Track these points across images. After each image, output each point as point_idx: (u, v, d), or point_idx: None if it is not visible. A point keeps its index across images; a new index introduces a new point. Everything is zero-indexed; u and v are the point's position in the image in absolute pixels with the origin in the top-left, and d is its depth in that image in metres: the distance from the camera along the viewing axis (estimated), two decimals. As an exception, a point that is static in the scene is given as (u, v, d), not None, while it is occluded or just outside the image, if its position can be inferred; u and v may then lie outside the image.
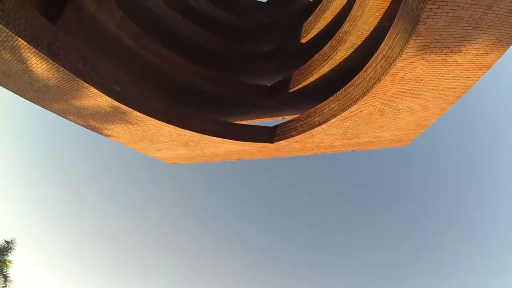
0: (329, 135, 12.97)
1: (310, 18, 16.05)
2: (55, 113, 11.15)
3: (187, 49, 16.03)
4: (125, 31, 11.97)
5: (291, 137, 13.22)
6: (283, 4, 21.36)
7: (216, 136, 12.73)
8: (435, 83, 9.47)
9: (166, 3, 14.89)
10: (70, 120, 11.58)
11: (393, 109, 11.10)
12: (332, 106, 11.81)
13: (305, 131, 12.71)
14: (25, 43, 7.65)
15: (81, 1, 10.34)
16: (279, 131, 13.78)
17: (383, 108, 11.02)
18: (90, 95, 9.76)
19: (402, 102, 10.68)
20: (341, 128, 12.37)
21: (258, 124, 16.31)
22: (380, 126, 12.45)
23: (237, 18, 19.68)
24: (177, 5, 16.67)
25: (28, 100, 10.18)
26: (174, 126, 11.80)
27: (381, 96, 10.25)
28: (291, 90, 15.10)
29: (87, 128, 12.26)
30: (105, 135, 12.76)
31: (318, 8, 15.38)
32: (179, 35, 15.49)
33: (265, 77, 18.66)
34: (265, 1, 23.51)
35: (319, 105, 12.38)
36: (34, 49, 7.90)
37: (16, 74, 8.82)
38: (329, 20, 15.24)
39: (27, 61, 8.25)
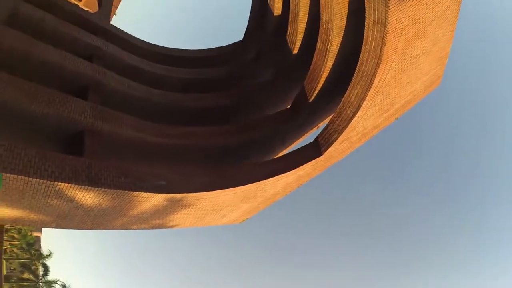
0: (368, 118, 12.84)
1: (289, 28, 16.52)
2: (117, 229, 11.86)
3: (197, 118, 16.85)
4: (145, 131, 12.81)
5: (335, 140, 13.18)
6: (257, 33, 22.02)
7: (269, 178, 12.84)
8: (431, 14, 9.54)
9: (150, 85, 15.84)
10: (134, 229, 12.24)
11: (410, 60, 11.05)
12: (356, 91, 11.83)
13: (345, 127, 12.69)
14: (66, 184, 8.42)
15: (92, 126, 11.22)
16: (322, 141, 13.79)
17: (401, 65, 10.97)
18: (143, 200, 10.40)
19: (415, 49, 10.65)
20: (375, 106, 12.26)
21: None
22: (408, 82, 12.28)
23: (225, 70, 20.51)
24: (166, 84, 17.80)
25: (89, 229, 11.00)
26: (228, 189, 12.07)
27: (394, 56, 10.25)
28: (311, 99, 15.20)
29: (152, 229, 12.86)
30: (171, 227, 13.37)
31: (290, 16, 15.78)
32: (186, 108, 16.34)
33: (280, 102, 18.96)
34: (241, 40, 24.27)
35: (344, 98, 12.42)
36: (76, 186, 8.73)
37: (70, 213, 9.68)
38: (306, 21, 15.54)
39: (74, 197, 9.11)
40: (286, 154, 14.43)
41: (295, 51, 17.05)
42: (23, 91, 9.99)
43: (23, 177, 7.87)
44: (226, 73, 20.15)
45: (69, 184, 8.65)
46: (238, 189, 12.41)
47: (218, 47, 23.74)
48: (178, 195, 11.09)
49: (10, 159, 7.81)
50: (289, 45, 17.08)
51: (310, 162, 13.62)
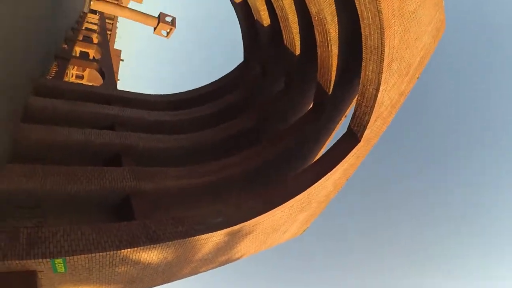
0: (392, 89, 12.60)
1: (283, 33, 16.65)
2: (187, 277, 11.94)
3: (228, 147, 17.05)
4: (186, 176, 13.06)
5: (368, 121, 12.93)
6: (255, 49, 22.32)
7: (317, 181, 12.66)
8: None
9: (175, 133, 16.28)
10: (202, 272, 12.28)
11: (410, 17, 10.97)
12: (370, 67, 11.71)
13: (373, 106, 12.49)
14: (128, 250, 8.70)
15: (135, 188, 11.57)
16: (355, 127, 13.59)
17: (404, 26, 10.87)
18: (205, 242, 10.51)
19: (410, 5, 10.55)
20: (394, 74, 12.02)
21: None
22: (416, 38, 12.03)
23: (238, 94, 20.76)
24: (189, 126, 18.22)
25: (160, 285, 11.12)
26: (281, 206, 11.96)
27: (394, 20, 10.15)
28: (330, 92, 15.10)
29: (219, 266, 12.87)
30: (237, 259, 13.30)
31: (280, 22, 15.97)
32: (215, 142, 16.59)
33: (302, 106, 18.96)
34: (242, 61, 24.65)
35: (361, 78, 12.32)
36: (138, 248, 8.86)
37: (138, 275, 9.89)
38: (297, 20, 15.66)
39: (140, 260, 9.34)
40: (326, 152, 14.17)
41: (298, 52, 17.12)
42: (62, 176, 10.54)
43: (86, 255, 8.13)
44: (241, 97, 20.44)
45: (132, 249, 8.84)
46: (292, 202, 12.29)
47: (225, 75, 24.22)
48: (236, 227, 11.09)
49: (69, 242, 8.13)
50: (290, 49, 17.18)
51: (352, 151, 13.35)
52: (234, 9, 22.34)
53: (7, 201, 9.66)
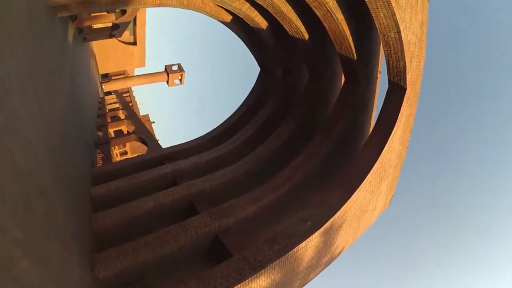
0: (411, 23, 12.19)
1: (285, 26, 16.50)
2: None
3: (285, 155, 16.94)
4: (260, 197, 13.19)
5: (404, 66, 12.73)
6: (265, 53, 22.30)
7: (384, 146, 12.25)
8: None
9: (231, 163, 16.43)
10: (311, 280, 12.13)
11: None
12: (382, 14, 11.61)
13: (402, 49, 12.25)
14: (238, 285, 8.98)
15: (220, 227, 11.81)
16: (395, 78, 13.39)
17: None
18: (304, 250, 10.66)
19: None
20: (407, 7, 11.69)
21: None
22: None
23: (271, 102, 20.71)
24: (240, 152, 18.37)
25: None
26: (361, 185, 11.66)
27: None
28: (354, 57, 14.72)
29: (325, 268, 12.63)
30: (339, 254, 13.12)
31: (277, 18, 15.93)
32: (271, 155, 16.56)
33: (335, 84, 18.55)
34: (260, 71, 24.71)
35: (378, 29, 12.14)
36: (245, 280, 9.17)
37: None
38: (291, 6, 15.59)
39: None
40: (379, 115, 13.69)
41: (307, 37, 16.89)
42: (151, 244, 10.98)
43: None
44: (275, 103, 20.37)
45: (241, 284, 8.97)
46: (369, 177, 11.97)
47: (250, 92, 24.40)
48: (327, 224, 10.94)
49: None
50: (299, 37, 16.99)
51: (403, 101, 12.82)
52: (229, 28, 22.62)
53: (114, 285, 10.18)
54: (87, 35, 34.50)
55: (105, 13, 26.94)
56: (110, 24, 35.65)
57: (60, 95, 13.73)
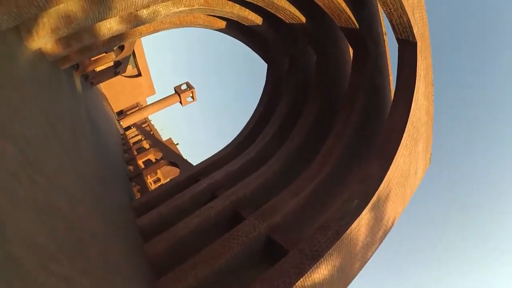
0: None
1: (279, 15, 16.33)
2: (360, 270, 11.70)
3: (313, 144, 16.74)
4: (299, 189, 13.07)
5: (408, 19, 12.28)
6: (266, 49, 22.19)
7: (411, 105, 11.98)
8: None
9: (263, 163, 16.33)
10: (370, 258, 11.89)
11: None
12: None
13: (401, 3, 11.61)
14: (300, 279, 8.97)
15: (270, 228, 11.74)
16: (402, 35, 13.00)
17: None
18: (357, 229, 10.62)
19: None
20: None
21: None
22: None
23: (286, 95, 20.49)
24: (269, 151, 18.27)
25: None
26: (397, 150, 11.47)
27: None
28: (357, 27, 14.42)
29: (380, 243, 12.37)
30: (392, 226, 12.86)
31: (268, 9, 15.71)
32: (298, 147, 16.40)
33: (344, 61, 18.18)
34: (267, 66, 24.60)
35: None
36: (306, 272, 9.20)
37: None
38: None
39: (314, 281, 9.40)
40: (397, 77, 13.34)
41: (304, 20, 16.65)
42: (206, 260, 11.11)
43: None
44: (290, 95, 20.21)
45: (303, 277, 8.93)
46: (403, 141, 11.72)
47: (263, 89, 24.34)
48: (374, 198, 10.78)
49: None
50: (296, 22, 16.78)
51: (417, 55, 12.43)
52: (226, 33, 22.61)
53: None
54: (93, 79, 35.41)
55: (104, 54, 27.52)
56: (112, 63, 36.45)
57: (85, 141, 14.11)
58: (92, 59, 26.84)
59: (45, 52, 12.85)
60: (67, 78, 18.07)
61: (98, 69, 37.35)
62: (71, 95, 17.25)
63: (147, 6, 12.77)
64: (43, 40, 10.84)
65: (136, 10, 13.19)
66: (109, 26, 13.85)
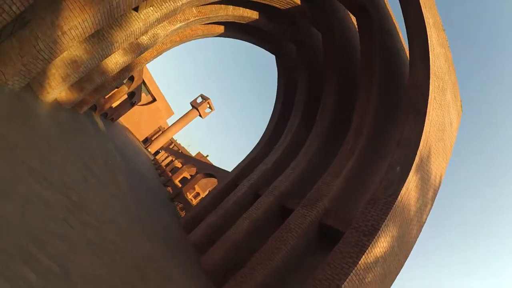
0: None
1: (274, 3, 16.10)
2: (418, 236, 11.42)
3: (339, 121, 16.45)
4: (340, 168, 12.79)
5: None
6: (272, 40, 22.00)
7: (428, 56, 11.50)
8: None
9: (297, 151, 16.12)
10: (425, 220, 11.51)
11: None
12: None
13: None
14: (363, 257, 8.81)
15: (321, 210, 11.68)
16: None
17: None
18: (407, 194, 10.34)
19: None
20: None
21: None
22: None
23: (302, 81, 20.19)
24: (300, 140, 18.10)
25: (404, 262, 10.83)
26: (427, 106, 11.19)
27: None
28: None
29: (432, 203, 11.99)
30: (440, 183, 12.44)
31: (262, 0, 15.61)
32: (329, 127, 16.15)
33: (349, 27, 17.73)
34: (275, 57, 24.38)
35: None
36: (367, 248, 9.04)
37: (384, 269, 9.78)
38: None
39: (376, 255, 9.27)
40: (407, 32, 12.83)
41: (299, 1, 16.38)
42: (263, 259, 11.16)
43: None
44: (305, 81, 19.90)
45: (365, 254, 8.78)
46: (431, 94, 11.26)
47: (277, 83, 24.21)
48: (417, 159, 10.50)
49: None
50: (292, 6, 16.55)
51: (421, 7, 11.89)
52: (226, 37, 22.59)
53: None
54: (112, 115, 36.34)
55: (116, 89, 28.12)
56: (126, 96, 37.26)
57: (120, 174, 14.45)
58: (107, 96, 27.53)
59: (61, 101, 13.24)
60: (88, 120, 18.58)
61: (114, 105, 38.24)
62: (96, 134, 17.72)
63: (146, 32, 12.91)
64: (57, 90, 11.15)
65: (136, 39, 13.36)
66: (115, 60, 14.09)
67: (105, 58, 12.32)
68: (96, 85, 14.54)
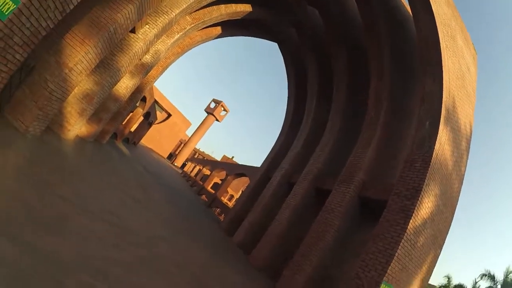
0: None
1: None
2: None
3: (360, 96, 16.14)
4: (370, 141, 12.59)
5: None
6: (271, 30, 21.80)
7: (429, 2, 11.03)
8: None
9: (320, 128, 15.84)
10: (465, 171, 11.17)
11: None
12: None
13: None
14: (410, 223, 8.65)
15: (359, 183, 11.53)
16: None
17: None
18: (441, 150, 10.04)
19: None
20: None
21: None
22: None
23: (312, 66, 19.88)
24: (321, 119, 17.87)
25: (451, 220, 10.64)
26: (442, 54, 10.75)
27: None
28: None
29: (468, 152, 11.57)
30: (470, 132, 12.00)
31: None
32: (347, 109, 15.87)
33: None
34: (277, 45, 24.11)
35: None
36: (413, 212, 8.84)
37: (434, 230, 9.62)
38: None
39: (423, 217, 9.12)
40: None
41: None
42: (312, 244, 11.11)
43: (393, 265, 8.24)
44: (313, 62, 19.58)
45: (411, 219, 8.72)
46: (442, 44, 10.84)
47: (287, 73, 24.07)
48: (443, 111, 10.28)
49: (373, 267, 8.56)
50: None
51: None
52: (225, 36, 22.53)
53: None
54: (133, 139, 37.00)
55: (131, 113, 28.57)
56: (142, 118, 37.83)
57: (154, 192, 14.71)
58: (124, 122, 28.02)
59: (83, 136, 13.53)
60: (112, 148, 18.98)
61: (133, 128, 38.92)
62: (123, 160, 18.09)
63: (147, 50, 13.03)
64: (76, 126, 11.40)
65: (140, 59, 13.51)
66: (125, 85, 14.30)
67: (115, 85, 12.51)
68: (112, 113, 14.80)
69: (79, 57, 7.85)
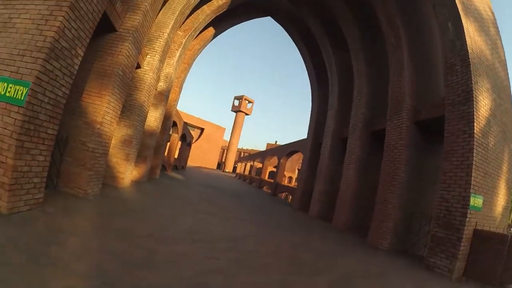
0: None
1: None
2: None
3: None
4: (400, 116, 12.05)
5: None
6: (283, 17, 21.42)
7: None
8: None
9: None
10: None
11: None
12: None
13: None
14: None
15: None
16: None
17: None
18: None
19: None
20: None
21: None
22: None
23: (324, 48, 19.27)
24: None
25: None
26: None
27: None
28: None
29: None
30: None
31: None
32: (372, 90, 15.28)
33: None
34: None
35: None
36: None
37: None
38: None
39: None
40: None
41: None
42: (385, 188, 10.89)
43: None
44: (324, 35, 19.02)
45: (475, 119, 8.38)
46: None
47: (300, 53, 23.82)
48: (458, 4, 9.41)
49: None
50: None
51: None
52: (222, 32, 22.45)
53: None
54: (181, 164, 38.00)
55: (168, 142, 29.33)
56: (180, 142, 38.76)
57: (219, 200, 15.13)
58: (166, 153, 28.85)
59: (137, 179, 14.07)
60: (166, 179, 19.67)
61: (176, 155, 39.93)
62: (180, 185, 18.70)
63: (159, 78, 13.29)
64: (128, 173, 11.89)
65: (156, 89, 13.81)
66: (153, 118, 14.71)
67: (145, 121, 12.90)
68: (152, 148, 15.28)
69: (103, 109, 8.14)
